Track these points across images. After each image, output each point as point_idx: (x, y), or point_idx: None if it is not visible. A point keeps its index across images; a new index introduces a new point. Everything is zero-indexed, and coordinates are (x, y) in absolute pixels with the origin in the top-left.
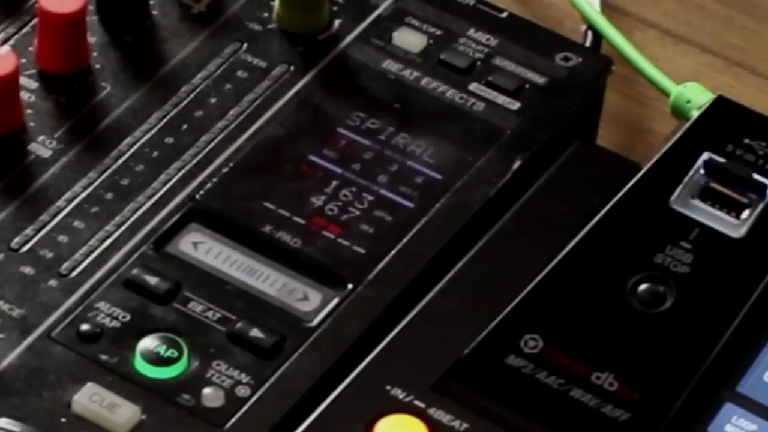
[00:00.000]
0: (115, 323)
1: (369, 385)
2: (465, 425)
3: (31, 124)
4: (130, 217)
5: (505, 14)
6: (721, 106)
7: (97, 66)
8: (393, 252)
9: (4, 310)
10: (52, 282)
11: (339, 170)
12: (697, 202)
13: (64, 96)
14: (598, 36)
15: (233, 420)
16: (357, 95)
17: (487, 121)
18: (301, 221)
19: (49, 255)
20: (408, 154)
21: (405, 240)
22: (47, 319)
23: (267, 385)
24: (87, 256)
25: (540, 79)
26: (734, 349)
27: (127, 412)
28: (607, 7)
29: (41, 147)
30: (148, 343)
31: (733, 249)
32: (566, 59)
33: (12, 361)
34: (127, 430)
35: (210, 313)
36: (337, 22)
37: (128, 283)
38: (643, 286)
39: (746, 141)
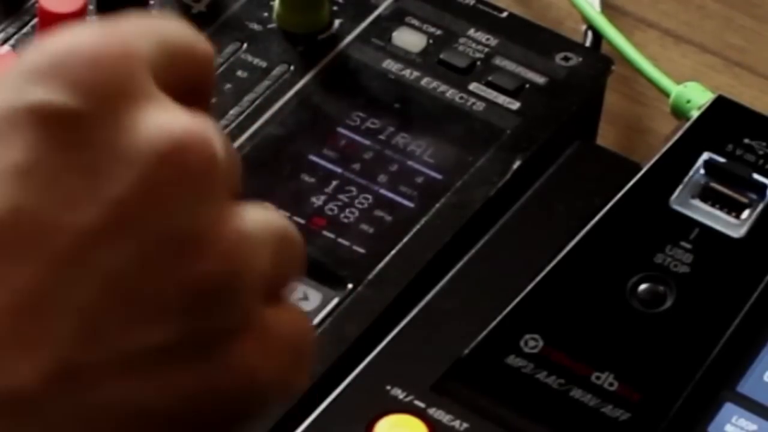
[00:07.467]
0: None
1: (369, 385)
2: (465, 425)
3: None
4: None
5: (505, 14)
6: (721, 106)
7: None
8: (393, 252)
9: None
10: None
11: (339, 170)
12: (697, 202)
13: None
14: (598, 36)
15: None
16: (357, 95)
17: (487, 121)
18: (301, 221)
19: None
20: (408, 154)
21: (405, 240)
22: None
23: None
24: None
25: (540, 79)
26: (734, 349)
27: None
28: (607, 7)
29: None
30: None
31: (733, 249)
32: (566, 59)
33: None
34: None
35: None
36: (337, 22)
37: None
38: (643, 286)
39: (746, 141)
